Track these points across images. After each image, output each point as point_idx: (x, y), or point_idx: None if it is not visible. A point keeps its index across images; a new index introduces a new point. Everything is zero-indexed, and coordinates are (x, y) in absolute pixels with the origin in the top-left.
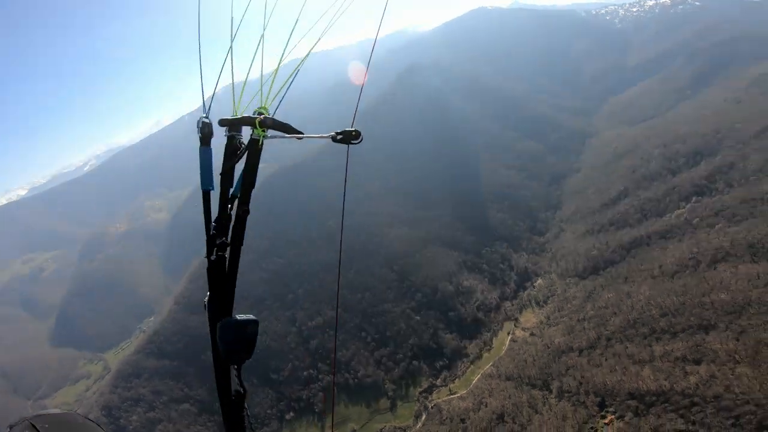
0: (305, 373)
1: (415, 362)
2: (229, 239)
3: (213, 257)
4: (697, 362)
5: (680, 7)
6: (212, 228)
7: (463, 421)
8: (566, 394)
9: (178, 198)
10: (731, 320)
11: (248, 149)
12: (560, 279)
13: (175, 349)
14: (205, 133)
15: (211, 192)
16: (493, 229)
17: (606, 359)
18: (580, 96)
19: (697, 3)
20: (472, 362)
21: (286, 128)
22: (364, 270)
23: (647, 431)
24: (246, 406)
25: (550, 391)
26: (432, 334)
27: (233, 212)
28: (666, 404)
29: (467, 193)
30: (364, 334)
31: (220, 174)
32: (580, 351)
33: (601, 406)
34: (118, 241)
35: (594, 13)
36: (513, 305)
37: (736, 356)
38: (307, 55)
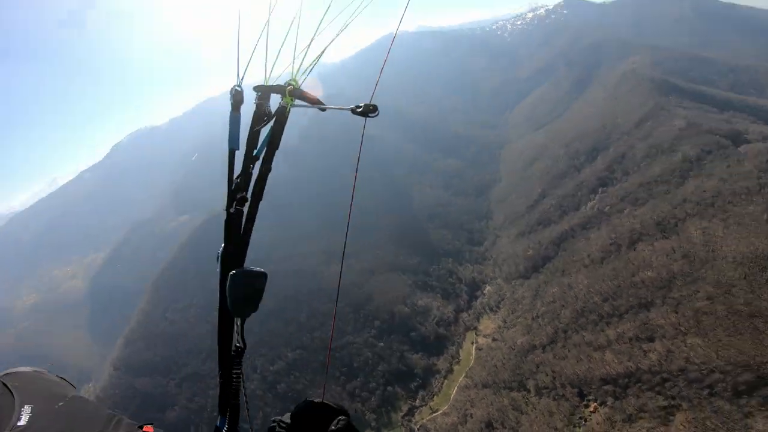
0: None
1: (389, 388)
2: (249, 194)
3: (232, 210)
4: (650, 339)
5: (553, 17)
6: (234, 183)
7: None
8: (544, 391)
9: (92, 263)
10: (664, 294)
11: (276, 115)
12: (506, 283)
13: (129, 413)
14: (237, 100)
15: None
16: (435, 247)
17: (569, 351)
18: (486, 110)
19: (565, 11)
20: (445, 377)
21: (311, 100)
22: (315, 310)
23: (633, 412)
24: (242, 361)
25: (529, 391)
26: (399, 357)
27: (253, 171)
28: (639, 384)
29: (403, 217)
30: (331, 370)
31: (248, 136)
32: (543, 347)
33: (581, 396)
34: (29, 315)
35: (487, 30)
36: (469, 315)
37: (681, 328)
38: (338, 35)
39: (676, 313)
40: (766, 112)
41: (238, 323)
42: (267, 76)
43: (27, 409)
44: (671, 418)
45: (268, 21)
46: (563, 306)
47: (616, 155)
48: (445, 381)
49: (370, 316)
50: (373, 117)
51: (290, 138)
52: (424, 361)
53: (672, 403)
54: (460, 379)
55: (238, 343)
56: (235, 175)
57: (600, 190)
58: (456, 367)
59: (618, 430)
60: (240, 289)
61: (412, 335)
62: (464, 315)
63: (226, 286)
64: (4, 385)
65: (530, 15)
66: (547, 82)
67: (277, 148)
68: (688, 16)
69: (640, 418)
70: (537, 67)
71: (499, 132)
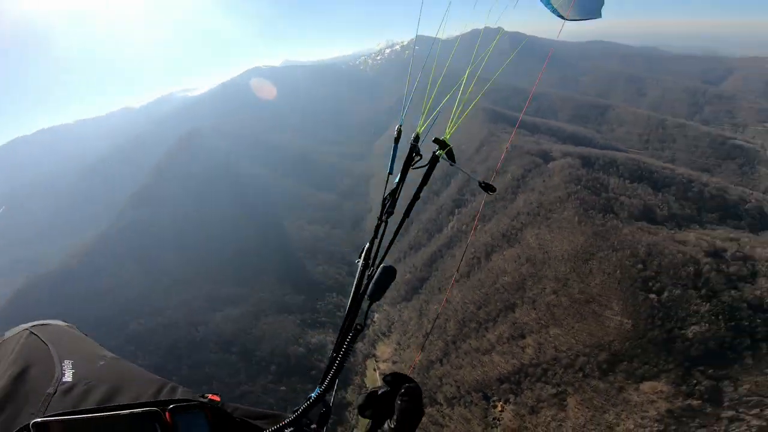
0: None
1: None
2: (393, 211)
3: (381, 220)
4: (522, 336)
5: (407, 52)
6: (386, 199)
7: None
8: (454, 401)
9: None
10: (521, 295)
11: (430, 162)
12: (392, 307)
13: None
14: (398, 136)
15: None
16: (318, 283)
17: (462, 359)
18: (355, 142)
19: (417, 47)
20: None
21: (452, 158)
22: (198, 364)
23: (534, 404)
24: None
25: (441, 404)
26: (305, 398)
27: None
28: (528, 377)
29: (282, 256)
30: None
31: (402, 167)
32: (440, 361)
33: (486, 398)
34: None
35: (351, 64)
36: (365, 344)
37: (542, 322)
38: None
39: (535, 309)
40: (563, 133)
41: (366, 306)
42: (418, 128)
43: (68, 364)
44: (565, 403)
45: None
46: (447, 320)
47: (465, 179)
48: (358, 415)
49: (264, 361)
50: (490, 194)
51: (143, 176)
52: (332, 398)
53: (559, 389)
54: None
55: (359, 322)
56: (386, 193)
57: (456, 211)
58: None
59: (528, 423)
60: (385, 279)
61: (313, 373)
62: (360, 345)
63: (376, 275)
64: (37, 337)
65: (387, 51)
66: (404, 115)
67: (426, 184)
68: (507, 50)
69: (541, 407)
70: (396, 99)
71: (367, 162)
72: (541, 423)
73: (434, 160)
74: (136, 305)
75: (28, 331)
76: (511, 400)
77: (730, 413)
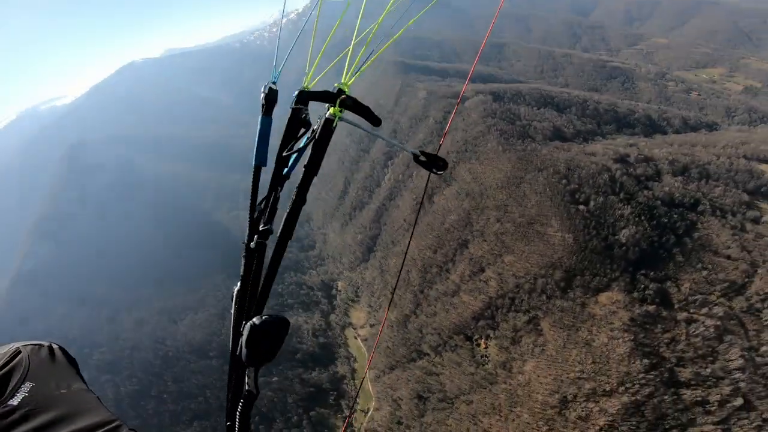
0: None
1: (312, 413)
2: (275, 228)
3: (252, 244)
4: (482, 270)
5: (304, 19)
6: (257, 210)
7: (399, 423)
8: (440, 348)
9: None
10: (470, 230)
11: (322, 129)
12: (352, 272)
13: None
14: (270, 101)
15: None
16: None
17: (434, 306)
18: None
19: (314, 12)
20: (353, 378)
21: (366, 113)
22: (181, 377)
23: (512, 335)
24: (251, 408)
25: (428, 354)
26: (300, 382)
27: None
28: (499, 309)
29: (226, 249)
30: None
31: (280, 154)
32: (414, 313)
33: (469, 339)
34: None
35: (245, 41)
36: (337, 315)
37: (495, 251)
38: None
39: (485, 241)
40: (468, 74)
41: (251, 372)
42: (306, 78)
43: (26, 387)
44: (539, 327)
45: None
46: (408, 271)
47: (390, 131)
48: (355, 381)
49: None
50: (438, 174)
51: (35, 207)
52: (325, 374)
53: (530, 315)
54: (367, 373)
55: (250, 388)
56: (259, 199)
57: (389, 163)
58: (356, 365)
59: (512, 353)
60: (260, 343)
61: (298, 357)
62: (333, 317)
63: (242, 338)
64: (21, 355)
65: (284, 21)
66: (315, 80)
67: (315, 173)
68: (406, 3)
69: (521, 336)
70: (301, 69)
71: None
72: (526, 351)
73: (326, 125)
74: (86, 340)
75: (18, 349)
76: (491, 335)
77: (684, 315)
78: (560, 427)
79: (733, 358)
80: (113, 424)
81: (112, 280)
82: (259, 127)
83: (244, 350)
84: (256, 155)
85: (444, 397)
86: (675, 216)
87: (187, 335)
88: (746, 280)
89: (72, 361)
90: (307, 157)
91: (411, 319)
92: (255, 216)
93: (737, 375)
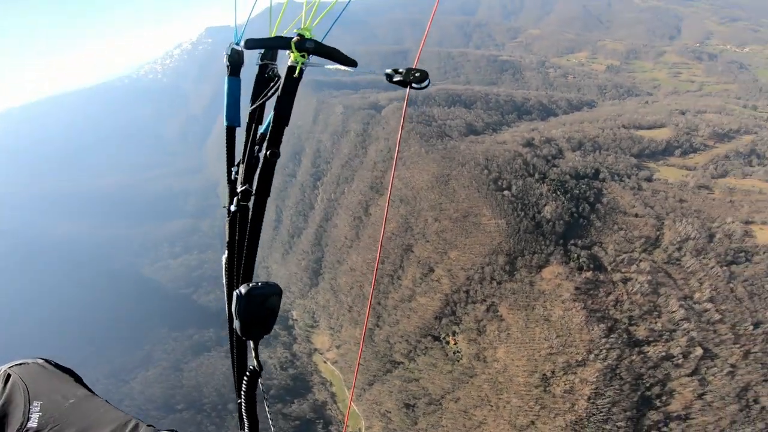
0: None
1: None
2: (253, 187)
3: (234, 207)
4: (432, 270)
5: (200, 47)
6: (234, 172)
7: None
8: (412, 354)
9: None
10: (411, 234)
11: (285, 79)
12: (304, 299)
13: None
14: (234, 61)
15: (237, 129)
16: (219, 310)
17: (395, 315)
18: (180, 157)
19: (209, 40)
20: (334, 402)
21: (333, 55)
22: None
23: (476, 325)
24: (260, 383)
25: (402, 363)
26: (283, 417)
27: (260, 155)
28: (458, 303)
29: (162, 301)
30: None
31: (250, 110)
32: (377, 325)
33: (437, 339)
34: None
35: (135, 77)
36: (300, 344)
37: (439, 250)
38: None
39: (428, 242)
40: (381, 83)
41: (251, 345)
42: (271, 29)
43: (36, 406)
44: (498, 313)
45: None
46: (360, 286)
47: (313, 151)
48: (339, 405)
49: (219, 404)
50: (418, 89)
51: None
52: (305, 404)
53: (487, 304)
54: (349, 395)
55: (253, 366)
56: (235, 161)
57: (319, 184)
58: (334, 389)
59: (481, 343)
60: (249, 312)
61: (272, 393)
62: (296, 346)
63: (233, 308)
64: (15, 377)
65: (177, 51)
66: (221, 116)
67: (286, 124)
68: (303, 20)
69: (485, 326)
70: (207, 98)
71: (205, 172)
72: (494, 339)
73: (289, 73)
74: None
75: (5, 372)
76: (456, 330)
77: (618, 275)
78: (551, 404)
79: (674, 309)
80: (132, 425)
81: (42, 353)
82: (225, 88)
83: (236, 322)
84: (225, 116)
85: (431, 400)
86: (583, 186)
87: (145, 393)
88: (658, 233)
89: (67, 371)
90: (274, 109)
91: (376, 332)
92: (232, 178)
93: (685, 325)
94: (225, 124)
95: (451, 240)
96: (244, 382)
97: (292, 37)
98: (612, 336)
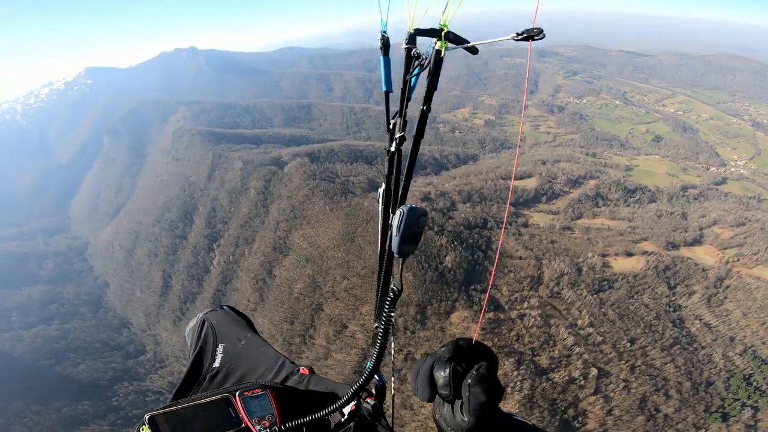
0: None
1: None
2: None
3: (393, 149)
4: (345, 327)
5: (76, 88)
6: (392, 123)
7: None
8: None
9: None
10: (320, 292)
11: (435, 57)
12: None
13: None
14: (385, 44)
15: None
16: (93, 382)
17: (317, 371)
18: (33, 213)
19: (89, 81)
20: None
21: (465, 44)
22: None
23: (395, 375)
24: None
25: None
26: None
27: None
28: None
29: (23, 380)
30: None
31: (402, 81)
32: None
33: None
34: None
35: None
36: None
37: (350, 306)
38: None
39: (338, 299)
40: (283, 137)
41: (399, 264)
42: (410, 23)
43: (220, 348)
44: (416, 360)
45: None
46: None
47: (208, 210)
48: None
49: None
50: (539, 39)
51: None
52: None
53: (405, 353)
54: None
55: (395, 285)
56: (391, 115)
57: (215, 245)
58: None
59: (405, 392)
60: (409, 225)
61: None
62: None
63: (397, 222)
64: (207, 323)
65: (45, 91)
66: (96, 163)
67: (435, 89)
68: (205, 69)
69: (405, 374)
70: (76, 147)
71: (71, 235)
72: None
73: (437, 54)
74: None
75: (202, 318)
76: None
77: (515, 312)
78: None
79: (565, 336)
80: (280, 362)
81: None
82: (382, 64)
83: (395, 238)
84: (384, 84)
85: None
86: (476, 235)
87: None
88: (539, 271)
89: (242, 315)
90: (427, 78)
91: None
92: (391, 127)
93: (577, 350)
94: (383, 89)
95: (361, 296)
96: (386, 302)
97: (442, 30)
98: (521, 368)
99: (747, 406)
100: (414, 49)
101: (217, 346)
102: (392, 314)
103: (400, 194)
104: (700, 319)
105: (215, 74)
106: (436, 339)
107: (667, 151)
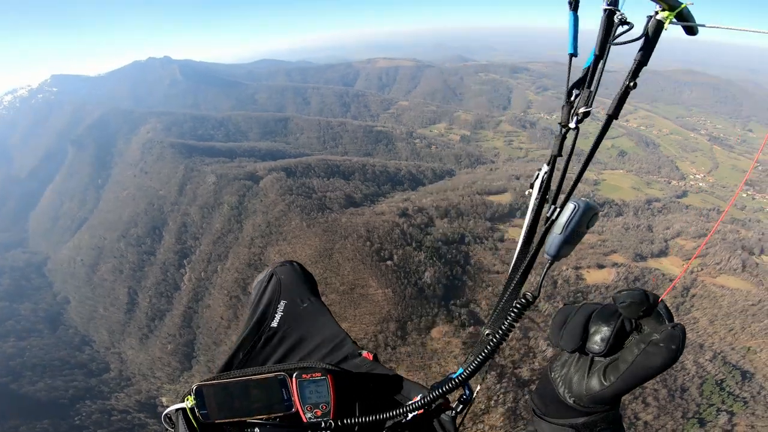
0: None
1: None
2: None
3: (571, 125)
4: None
5: (40, 96)
6: (574, 95)
7: None
8: None
9: None
10: None
11: (655, 29)
12: (175, 383)
13: None
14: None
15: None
16: (52, 401)
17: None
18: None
19: (54, 89)
20: None
21: (691, 25)
22: None
23: None
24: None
25: None
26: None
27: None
28: None
29: None
30: None
31: (596, 47)
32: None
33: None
34: None
35: None
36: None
37: None
38: None
39: None
40: (259, 151)
41: (545, 267)
42: None
43: (281, 306)
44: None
45: None
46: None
47: (178, 226)
48: None
49: None
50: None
51: None
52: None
53: (392, 356)
54: None
55: (532, 292)
56: (570, 84)
57: (185, 262)
58: None
59: None
60: (580, 225)
61: None
62: None
63: (566, 218)
64: (275, 278)
65: (8, 98)
66: (58, 174)
67: (645, 64)
68: (179, 80)
69: None
70: (38, 157)
71: (29, 250)
72: None
73: (659, 26)
74: None
75: (271, 271)
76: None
77: None
78: None
79: (543, 348)
80: (339, 338)
81: None
82: (571, 21)
83: (557, 236)
84: (570, 45)
85: None
86: (454, 251)
87: None
88: None
89: (309, 275)
90: (639, 51)
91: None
92: (571, 99)
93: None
94: (569, 51)
95: (340, 313)
96: (514, 309)
97: (682, 3)
98: (503, 381)
99: (722, 411)
100: (619, 13)
101: (279, 303)
102: (516, 323)
103: (573, 182)
104: None
105: (189, 85)
106: (417, 354)
107: (632, 165)
